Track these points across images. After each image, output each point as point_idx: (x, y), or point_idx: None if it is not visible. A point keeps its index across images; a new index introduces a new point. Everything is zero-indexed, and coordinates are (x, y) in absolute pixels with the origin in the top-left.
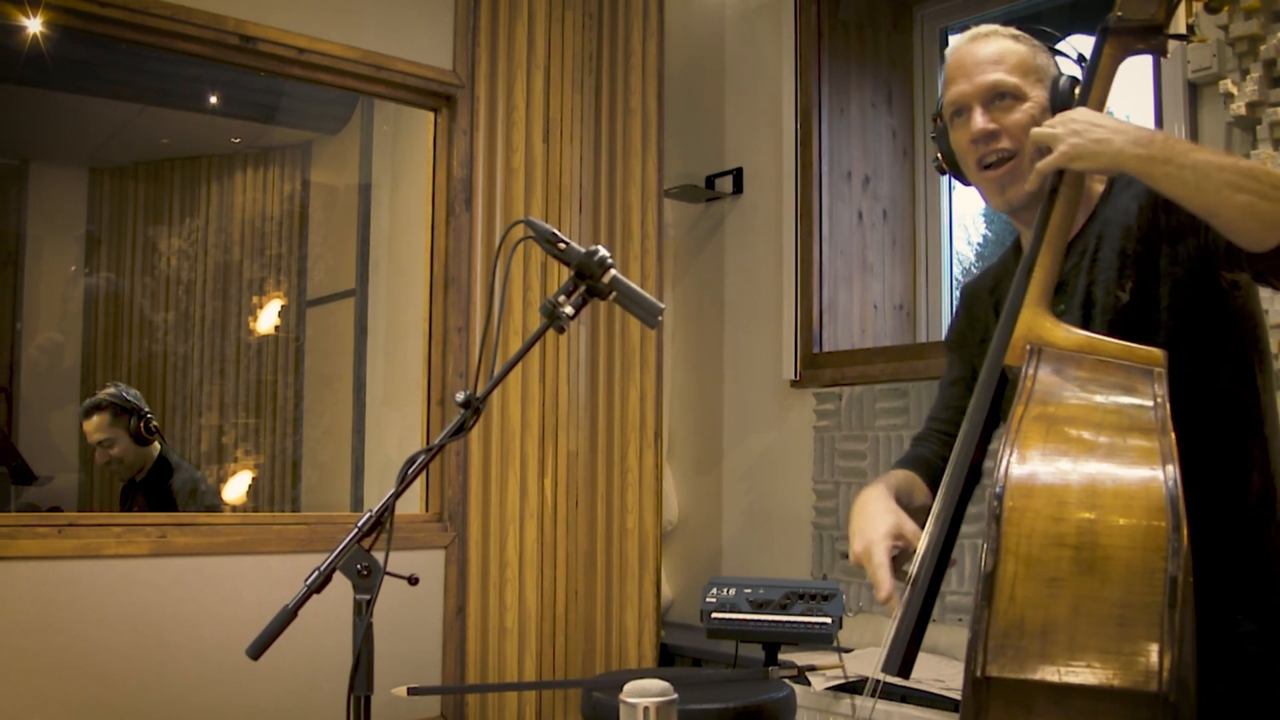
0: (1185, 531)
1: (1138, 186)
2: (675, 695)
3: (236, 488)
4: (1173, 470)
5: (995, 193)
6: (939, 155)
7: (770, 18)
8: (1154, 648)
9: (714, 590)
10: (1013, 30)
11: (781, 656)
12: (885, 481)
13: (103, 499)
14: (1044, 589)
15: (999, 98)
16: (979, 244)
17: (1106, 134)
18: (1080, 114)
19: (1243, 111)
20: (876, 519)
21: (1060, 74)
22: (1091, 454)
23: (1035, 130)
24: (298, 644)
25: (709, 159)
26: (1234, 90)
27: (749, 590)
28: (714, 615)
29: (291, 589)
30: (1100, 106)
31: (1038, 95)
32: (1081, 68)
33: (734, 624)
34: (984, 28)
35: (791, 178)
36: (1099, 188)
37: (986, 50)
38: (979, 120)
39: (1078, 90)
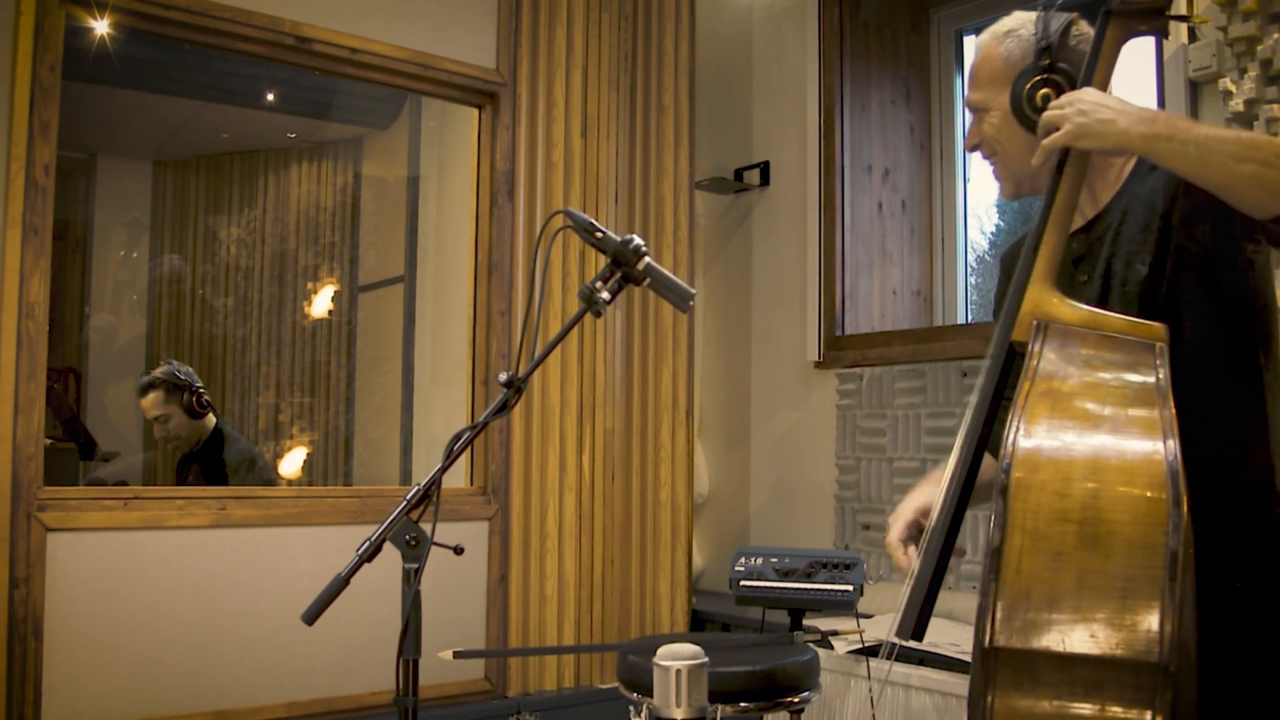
0: (1185, 506)
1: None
2: (706, 658)
3: (292, 463)
4: (1173, 445)
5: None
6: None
7: (795, 19)
8: (1155, 619)
9: (742, 559)
10: (1008, 23)
11: (806, 622)
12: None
13: (166, 474)
14: (1049, 563)
15: (976, 111)
16: (992, 233)
17: (1111, 114)
18: (1087, 94)
19: (1241, 108)
20: (914, 496)
21: (1024, 68)
22: (1096, 429)
23: (1045, 114)
24: (350, 610)
25: (737, 153)
26: (1232, 88)
27: (775, 559)
28: (742, 583)
29: (344, 558)
30: (1104, 87)
31: (1000, 102)
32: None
33: (761, 591)
34: (990, 28)
35: (815, 170)
36: (1128, 166)
37: (974, 62)
38: (970, 133)
39: (1082, 72)
